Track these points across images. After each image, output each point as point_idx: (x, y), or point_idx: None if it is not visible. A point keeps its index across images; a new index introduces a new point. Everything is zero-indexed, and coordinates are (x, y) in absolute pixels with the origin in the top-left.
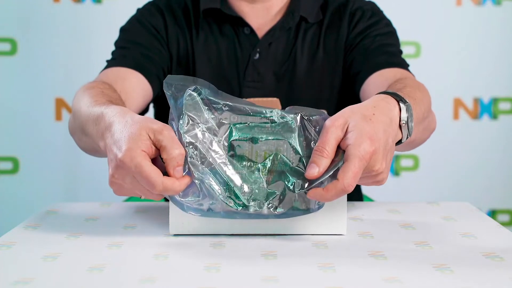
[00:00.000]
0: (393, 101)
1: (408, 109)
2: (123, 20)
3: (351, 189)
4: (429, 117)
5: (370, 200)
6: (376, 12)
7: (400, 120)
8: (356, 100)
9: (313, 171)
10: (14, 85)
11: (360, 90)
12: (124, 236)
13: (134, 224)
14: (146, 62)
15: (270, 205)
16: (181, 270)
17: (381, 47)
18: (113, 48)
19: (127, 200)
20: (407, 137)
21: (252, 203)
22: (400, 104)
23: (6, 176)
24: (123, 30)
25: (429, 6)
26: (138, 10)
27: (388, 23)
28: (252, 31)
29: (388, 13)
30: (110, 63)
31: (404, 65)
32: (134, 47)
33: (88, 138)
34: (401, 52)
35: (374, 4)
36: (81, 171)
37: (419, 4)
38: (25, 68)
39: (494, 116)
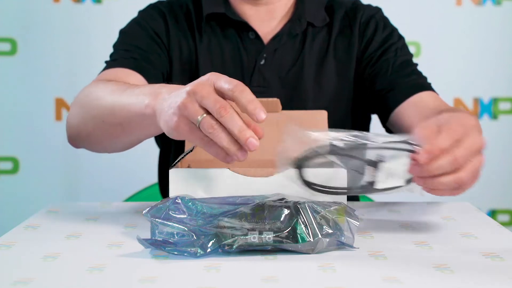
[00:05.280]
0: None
1: None
2: (123, 20)
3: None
4: None
5: (370, 200)
6: (386, 21)
7: None
8: (364, 107)
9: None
10: (14, 85)
11: (395, 110)
12: (124, 236)
13: (134, 224)
14: (146, 63)
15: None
16: (181, 270)
17: (405, 65)
18: (112, 49)
19: (127, 200)
20: None
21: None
22: None
23: (6, 176)
24: (122, 32)
25: (429, 6)
26: (140, 12)
27: (398, 32)
28: (257, 35)
29: (388, 13)
30: (110, 65)
31: (431, 86)
32: (134, 49)
33: (117, 115)
34: (416, 64)
35: (381, 11)
36: (81, 171)
37: (419, 4)
38: (25, 68)
39: (494, 116)
